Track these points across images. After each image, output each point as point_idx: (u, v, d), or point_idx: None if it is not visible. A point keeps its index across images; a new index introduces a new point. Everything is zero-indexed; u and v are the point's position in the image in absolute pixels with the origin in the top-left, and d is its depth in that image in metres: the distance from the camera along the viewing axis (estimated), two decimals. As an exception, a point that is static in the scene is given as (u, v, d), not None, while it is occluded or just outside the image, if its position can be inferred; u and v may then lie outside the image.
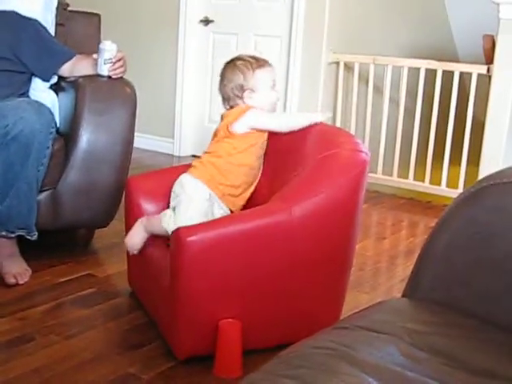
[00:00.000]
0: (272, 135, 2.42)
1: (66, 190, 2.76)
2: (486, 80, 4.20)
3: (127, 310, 2.53)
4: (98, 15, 3.41)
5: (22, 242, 2.70)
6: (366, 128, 4.60)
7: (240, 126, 2.36)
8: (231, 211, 2.37)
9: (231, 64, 2.45)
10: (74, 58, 2.97)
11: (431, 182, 4.42)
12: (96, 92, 2.79)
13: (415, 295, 1.44)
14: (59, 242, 3.11)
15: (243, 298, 2.07)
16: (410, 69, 4.47)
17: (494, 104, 4.05)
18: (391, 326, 1.25)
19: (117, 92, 2.84)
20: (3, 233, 2.63)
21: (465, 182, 4.21)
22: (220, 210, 2.35)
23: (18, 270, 2.65)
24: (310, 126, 2.36)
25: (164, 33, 5.26)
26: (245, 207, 2.38)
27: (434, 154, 4.40)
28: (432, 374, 1.10)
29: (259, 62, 2.42)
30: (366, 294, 2.78)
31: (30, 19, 3.01)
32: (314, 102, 4.62)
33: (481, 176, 3.91)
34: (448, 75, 4.33)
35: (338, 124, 4.65)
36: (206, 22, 5.13)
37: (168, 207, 2.40)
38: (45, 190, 2.74)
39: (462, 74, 4.34)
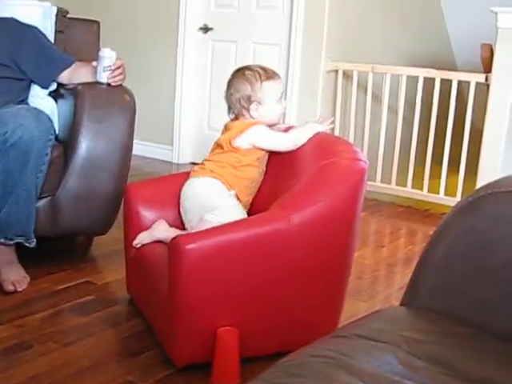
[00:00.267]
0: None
1: (65, 197, 2.77)
2: (484, 88, 4.21)
3: (126, 317, 2.53)
4: (97, 22, 3.42)
5: (20, 249, 2.70)
6: (364, 136, 4.60)
7: (242, 142, 2.36)
8: None
9: (240, 73, 2.42)
10: (73, 66, 2.97)
11: (429, 191, 4.42)
12: (95, 99, 2.80)
13: (413, 304, 1.44)
14: (58, 249, 3.11)
15: (241, 306, 2.07)
16: (408, 77, 4.48)
17: (492, 113, 4.06)
18: (389, 335, 1.25)
19: (116, 99, 2.85)
20: (2, 240, 2.62)
21: (463, 190, 4.21)
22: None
23: (17, 277, 2.65)
24: (310, 135, 2.38)
25: (163, 40, 5.28)
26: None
27: (432, 162, 4.41)
28: (429, 382, 1.11)
29: (268, 74, 2.40)
30: (364, 303, 2.78)
31: (29, 26, 3.02)
32: (312, 110, 4.63)
33: (479, 184, 3.91)
34: (446, 84, 4.34)
35: (336, 132, 4.65)
36: (206, 29, 5.14)
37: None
38: (44, 197, 2.74)
39: (460, 83, 4.35)
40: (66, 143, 2.80)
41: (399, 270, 3.28)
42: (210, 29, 5.13)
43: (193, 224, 2.34)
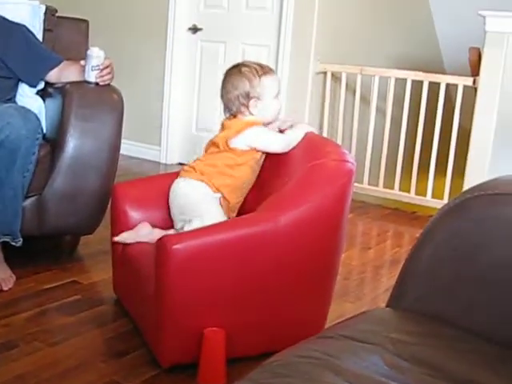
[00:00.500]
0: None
1: (52, 197, 2.76)
2: (472, 91, 4.22)
3: (112, 317, 2.52)
4: (86, 21, 3.41)
5: (6, 248, 2.69)
6: (352, 138, 4.61)
7: (239, 143, 2.34)
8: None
9: (236, 70, 2.39)
10: (61, 64, 2.97)
11: (417, 193, 4.43)
12: (83, 98, 2.79)
13: (399, 305, 1.45)
14: (44, 248, 3.10)
15: (228, 307, 2.07)
16: (396, 79, 4.50)
17: (480, 116, 4.07)
18: (375, 336, 1.25)
19: (104, 98, 2.84)
20: (-12, 239, 2.61)
21: (450, 192, 4.23)
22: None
23: (2, 276, 2.64)
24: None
25: (152, 40, 5.27)
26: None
27: (419, 165, 4.42)
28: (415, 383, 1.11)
29: (264, 69, 2.39)
30: (350, 304, 2.78)
31: (17, 24, 3.01)
32: (301, 111, 4.63)
33: (466, 186, 3.93)
34: (434, 86, 4.35)
35: (324, 133, 4.66)
36: (195, 30, 5.13)
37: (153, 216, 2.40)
38: (30, 196, 2.73)
39: (448, 86, 4.37)
40: (54, 142, 2.79)
41: (386, 272, 3.29)
42: (199, 29, 5.13)
43: (179, 225, 2.34)
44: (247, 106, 2.35)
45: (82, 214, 2.83)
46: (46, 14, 3.24)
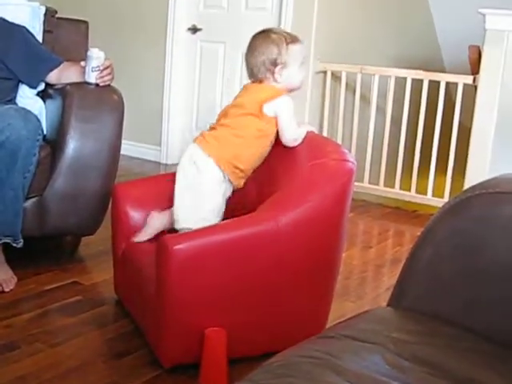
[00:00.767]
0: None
1: (53, 198, 2.76)
2: (472, 89, 4.22)
3: (113, 318, 2.52)
4: (85, 22, 3.41)
5: (7, 249, 2.69)
6: (352, 137, 4.61)
7: (270, 109, 2.31)
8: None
9: (264, 35, 2.36)
10: (61, 65, 2.97)
11: (417, 191, 4.43)
12: (83, 99, 2.79)
13: (400, 304, 1.45)
14: (45, 249, 3.10)
15: (230, 307, 2.07)
16: (396, 78, 4.50)
17: (480, 114, 4.07)
18: (376, 336, 1.25)
19: (104, 99, 2.84)
20: (-12, 240, 2.62)
21: (451, 191, 4.23)
22: (230, 191, 2.35)
23: (4, 278, 2.64)
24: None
25: (152, 40, 5.27)
26: (233, 215, 2.38)
27: (420, 163, 4.42)
28: (416, 383, 1.11)
29: (292, 37, 2.37)
30: (352, 303, 2.78)
31: (17, 26, 3.01)
32: (301, 110, 4.63)
33: (467, 185, 3.93)
34: (434, 85, 4.35)
35: (325, 132, 4.66)
36: (194, 30, 5.13)
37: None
38: (31, 197, 2.73)
39: (448, 84, 4.37)
40: (54, 143, 2.80)
41: (387, 271, 3.29)
42: (199, 29, 5.12)
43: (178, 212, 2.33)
44: (273, 73, 2.33)
45: (83, 214, 2.83)
46: (45, 15, 3.24)
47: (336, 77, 4.74)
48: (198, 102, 5.20)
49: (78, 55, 3.01)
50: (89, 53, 2.82)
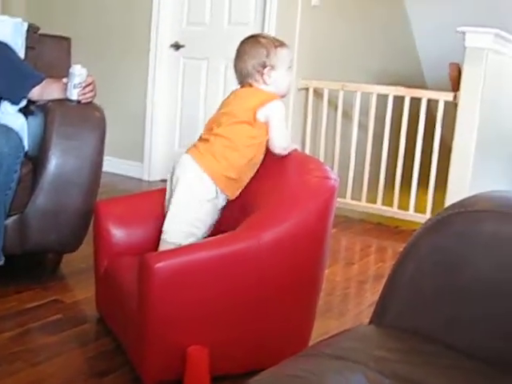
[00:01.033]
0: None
1: (34, 215, 2.74)
2: (453, 106, 4.26)
3: (95, 336, 2.51)
4: (68, 39, 3.41)
5: (-12, 267, 2.67)
6: (335, 153, 4.64)
7: (262, 113, 2.33)
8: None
9: (253, 40, 2.42)
10: (43, 82, 2.96)
11: (399, 207, 4.46)
12: (65, 116, 2.78)
13: (382, 322, 1.45)
14: (26, 267, 3.08)
15: (212, 324, 2.06)
16: (378, 95, 4.53)
17: (461, 131, 4.11)
18: (358, 354, 1.26)
19: (86, 116, 2.84)
20: (-31, 258, 2.60)
21: (432, 207, 4.25)
22: (224, 202, 2.37)
23: (-16, 296, 2.62)
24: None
25: (135, 57, 5.27)
26: (215, 232, 2.38)
27: (402, 179, 4.45)
28: (398, 401, 1.12)
29: (280, 41, 2.44)
30: (334, 320, 2.78)
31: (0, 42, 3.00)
32: (283, 127, 4.64)
33: (448, 201, 3.96)
34: (416, 101, 4.39)
35: (307, 149, 4.68)
36: (177, 46, 5.15)
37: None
38: (12, 215, 2.71)
39: (429, 101, 4.41)
40: (36, 160, 2.79)
41: (370, 287, 3.29)
42: (182, 46, 5.14)
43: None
44: (262, 74, 2.36)
45: (65, 231, 2.82)
46: (28, 31, 3.24)
47: (318, 94, 4.76)
48: (181, 118, 5.21)
49: (61, 72, 3.00)
50: (71, 69, 2.82)
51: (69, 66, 2.90)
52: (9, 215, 2.69)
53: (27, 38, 3.23)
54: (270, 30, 4.60)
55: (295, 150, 2.43)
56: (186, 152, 2.39)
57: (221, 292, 2.04)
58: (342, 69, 5.09)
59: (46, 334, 2.45)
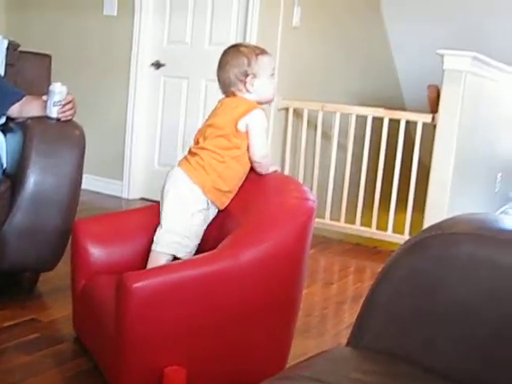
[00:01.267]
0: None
1: (12, 233, 2.72)
2: (431, 128, 4.30)
3: (71, 355, 2.48)
4: (48, 56, 3.40)
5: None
6: (314, 173, 4.65)
7: (243, 122, 2.35)
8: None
9: (234, 49, 2.44)
10: (23, 99, 2.95)
11: (378, 228, 4.47)
12: (44, 134, 2.78)
13: (360, 343, 1.46)
14: (3, 285, 3.05)
15: (190, 345, 2.05)
16: (357, 116, 4.56)
17: (439, 152, 4.14)
18: (335, 376, 1.26)
19: (65, 134, 2.83)
20: None
21: (411, 227, 4.27)
22: (215, 211, 2.39)
23: (-40, 314, 2.59)
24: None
25: (115, 75, 5.27)
26: (195, 251, 2.38)
27: (380, 200, 4.47)
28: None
29: (261, 49, 2.45)
30: (313, 340, 2.78)
31: (-21, 59, 3.00)
32: (263, 146, 4.66)
33: (426, 222, 3.98)
34: (395, 122, 4.42)
35: (286, 168, 4.70)
36: (158, 65, 5.16)
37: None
38: (-11, 233, 2.70)
39: (408, 122, 4.44)
40: (14, 178, 2.77)
41: (348, 308, 3.30)
42: (162, 65, 5.15)
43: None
44: (244, 83, 2.38)
45: (42, 250, 2.80)
46: (8, 48, 3.23)
47: (298, 114, 4.79)
48: (161, 136, 5.20)
49: (41, 89, 2.99)
50: (51, 87, 2.81)
51: (49, 84, 2.90)
52: (-14, 233, 2.67)
53: (7, 55, 3.23)
54: (251, 50, 4.62)
55: (275, 172, 2.44)
56: (178, 165, 2.42)
57: (199, 312, 2.03)
58: (322, 89, 5.13)
59: (23, 353, 2.43)
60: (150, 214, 2.52)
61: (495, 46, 5.20)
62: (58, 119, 2.83)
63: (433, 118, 4.23)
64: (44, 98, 2.84)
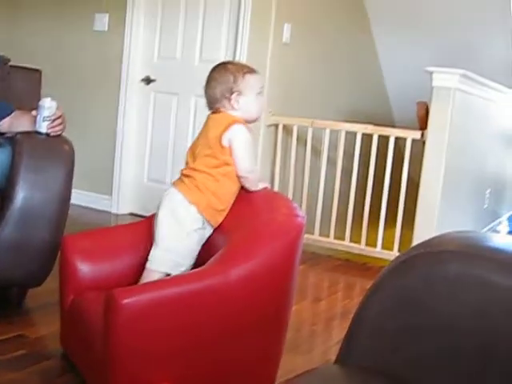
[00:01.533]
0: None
1: (0, 248, 2.71)
2: (420, 144, 4.32)
3: (58, 372, 2.47)
4: (38, 71, 3.41)
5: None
6: (303, 189, 4.66)
7: (226, 138, 2.35)
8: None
9: (221, 67, 2.45)
10: (13, 114, 2.95)
11: (367, 244, 4.48)
12: (33, 149, 2.77)
13: (348, 361, 1.45)
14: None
15: (179, 362, 2.05)
16: (347, 132, 4.58)
17: (428, 169, 4.17)
18: (323, 394, 1.25)
19: (54, 150, 2.83)
20: None
21: (400, 244, 4.28)
22: (210, 231, 2.39)
23: None
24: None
25: (105, 90, 5.28)
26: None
27: (370, 216, 4.48)
28: None
29: (249, 68, 2.46)
30: (301, 356, 2.78)
31: (-32, 74, 3.00)
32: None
33: (415, 239, 3.99)
34: (384, 139, 4.44)
35: (276, 184, 4.70)
36: (148, 81, 5.17)
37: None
38: (-23, 248, 2.68)
39: (397, 139, 4.46)
40: (3, 193, 2.76)
41: (337, 324, 3.30)
42: (153, 80, 5.16)
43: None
44: (229, 100, 2.39)
45: (31, 266, 2.79)
46: (-2, 63, 3.24)
47: (287, 130, 4.80)
48: (151, 152, 5.20)
49: (31, 104, 2.99)
50: (41, 102, 2.81)
51: (39, 99, 2.90)
52: (-26, 248, 2.66)
53: (-3, 70, 3.23)
54: (241, 66, 4.63)
55: (265, 189, 2.45)
56: (173, 186, 2.42)
57: (188, 328, 2.03)
58: (312, 106, 5.15)
59: (10, 369, 2.41)
60: (139, 230, 2.52)
61: (484, 64, 5.24)
62: (48, 134, 2.83)
63: (422, 135, 4.26)
64: (34, 113, 2.84)
